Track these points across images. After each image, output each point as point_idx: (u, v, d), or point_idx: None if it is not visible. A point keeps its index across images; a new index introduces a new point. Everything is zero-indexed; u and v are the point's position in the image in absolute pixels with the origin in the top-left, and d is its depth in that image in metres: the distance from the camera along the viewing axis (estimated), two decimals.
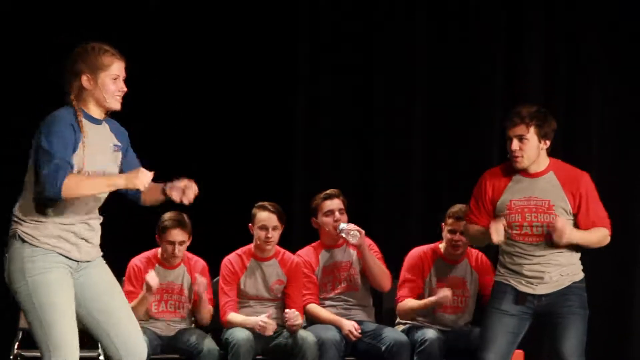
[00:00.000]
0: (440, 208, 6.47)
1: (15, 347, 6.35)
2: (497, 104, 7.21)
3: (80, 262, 4.24)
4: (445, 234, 6.38)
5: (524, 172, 5.13)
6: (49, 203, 4.15)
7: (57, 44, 6.95)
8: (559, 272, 5.12)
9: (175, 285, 6.32)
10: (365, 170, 7.39)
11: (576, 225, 5.15)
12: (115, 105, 4.29)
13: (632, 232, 7.04)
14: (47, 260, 4.15)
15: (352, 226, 6.26)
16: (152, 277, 6.11)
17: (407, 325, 6.42)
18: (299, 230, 7.18)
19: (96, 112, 4.28)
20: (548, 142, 5.12)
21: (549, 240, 5.07)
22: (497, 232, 5.04)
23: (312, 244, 6.55)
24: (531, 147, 5.07)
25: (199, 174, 7.39)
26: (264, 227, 6.30)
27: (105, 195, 4.32)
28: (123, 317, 4.31)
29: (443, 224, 6.41)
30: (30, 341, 6.41)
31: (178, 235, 6.20)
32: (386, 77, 7.32)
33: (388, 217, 7.23)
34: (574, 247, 5.15)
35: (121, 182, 4.18)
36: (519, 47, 7.21)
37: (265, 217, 6.32)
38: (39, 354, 6.18)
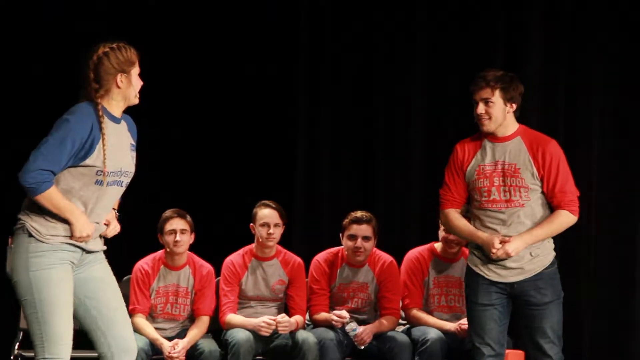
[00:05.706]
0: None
1: (16, 347, 6.36)
2: None
3: (85, 251, 4.26)
4: (441, 232, 6.39)
5: (493, 137, 5.16)
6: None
7: (56, 43, 7.03)
8: (528, 250, 5.07)
9: (181, 288, 6.31)
10: (365, 171, 7.38)
11: (542, 193, 5.12)
12: (137, 100, 4.33)
13: (633, 230, 7.04)
14: (53, 257, 4.17)
15: (359, 337, 6.18)
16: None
17: (407, 326, 6.43)
18: (299, 232, 7.18)
19: (117, 110, 4.29)
20: (515, 106, 5.15)
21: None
22: (495, 245, 5.01)
23: (336, 251, 6.50)
24: (497, 110, 5.11)
25: (199, 175, 7.42)
26: (266, 224, 6.32)
27: (113, 201, 4.34)
28: (119, 314, 4.32)
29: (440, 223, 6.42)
30: (30, 341, 6.42)
31: (178, 223, 6.21)
32: (386, 78, 7.32)
33: (388, 217, 7.22)
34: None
35: (75, 227, 4.18)
36: (519, 47, 7.20)
37: (267, 213, 6.33)
38: None
